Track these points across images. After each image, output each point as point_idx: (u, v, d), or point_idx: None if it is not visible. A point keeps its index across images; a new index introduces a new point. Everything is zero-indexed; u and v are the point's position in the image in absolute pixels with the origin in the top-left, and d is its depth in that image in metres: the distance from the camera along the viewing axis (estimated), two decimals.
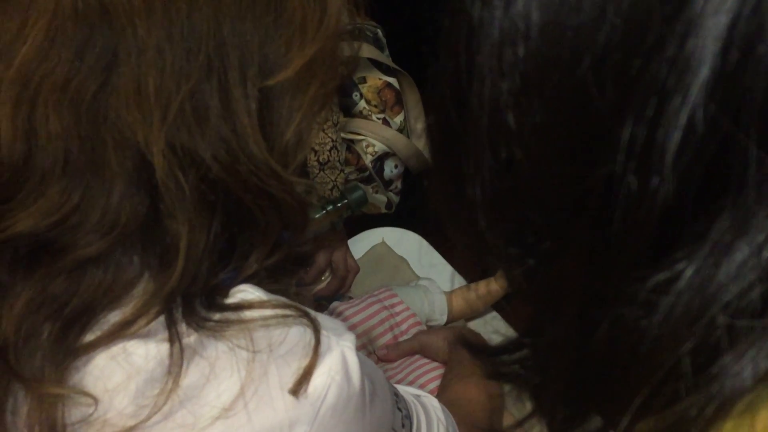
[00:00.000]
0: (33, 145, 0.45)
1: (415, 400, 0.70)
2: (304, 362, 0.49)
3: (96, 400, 0.47)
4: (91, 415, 0.47)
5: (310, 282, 1.12)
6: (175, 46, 0.45)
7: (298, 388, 0.49)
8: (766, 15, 0.20)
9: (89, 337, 0.47)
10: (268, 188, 0.49)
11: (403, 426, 0.63)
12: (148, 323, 0.47)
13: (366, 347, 1.04)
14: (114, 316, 0.48)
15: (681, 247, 0.23)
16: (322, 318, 0.53)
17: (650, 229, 0.24)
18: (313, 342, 0.50)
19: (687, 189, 0.23)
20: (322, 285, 1.13)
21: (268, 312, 0.50)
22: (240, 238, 0.51)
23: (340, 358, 0.51)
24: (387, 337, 1.05)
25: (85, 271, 0.47)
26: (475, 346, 0.37)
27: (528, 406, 0.34)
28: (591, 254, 0.26)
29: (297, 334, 0.50)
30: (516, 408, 0.99)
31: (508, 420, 0.97)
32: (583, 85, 0.24)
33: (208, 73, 0.46)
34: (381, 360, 1.03)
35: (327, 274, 1.15)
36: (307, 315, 0.51)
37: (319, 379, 0.50)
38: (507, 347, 0.34)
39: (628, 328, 0.25)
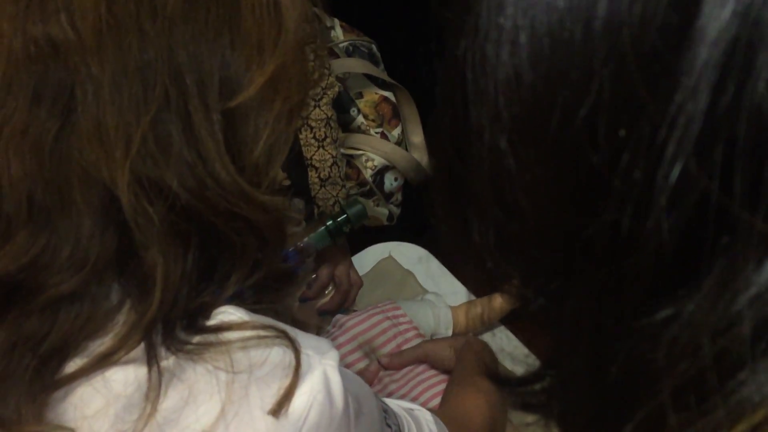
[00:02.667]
0: None
1: (407, 415, 0.70)
2: (285, 383, 0.49)
3: None
4: None
5: (313, 297, 1.13)
6: (131, 80, 0.46)
7: (279, 408, 0.49)
8: (751, 71, 0.21)
9: (70, 367, 0.48)
10: (239, 211, 0.49)
11: None
12: (128, 352, 0.48)
13: (368, 356, 1.05)
14: (95, 345, 0.48)
15: (686, 284, 0.24)
16: (304, 337, 0.53)
17: (650, 271, 0.24)
18: (293, 363, 0.50)
19: (683, 234, 0.23)
20: (326, 299, 1.14)
21: (247, 333, 0.50)
22: (219, 259, 0.51)
23: (321, 378, 0.51)
24: (390, 347, 1.06)
25: (59, 308, 0.47)
26: (499, 378, 0.37)
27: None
28: (598, 293, 0.27)
29: (277, 355, 0.50)
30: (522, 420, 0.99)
31: None
32: (576, 140, 0.24)
33: (167, 102, 0.46)
34: (385, 368, 1.03)
35: (330, 288, 1.16)
36: (286, 335, 0.51)
37: (300, 399, 0.50)
38: (529, 378, 0.34)
39: (640, 361, 0.26)
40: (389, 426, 0.63)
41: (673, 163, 0.22)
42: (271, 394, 0.49)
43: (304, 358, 0.51)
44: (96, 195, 0.46)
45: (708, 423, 0.25)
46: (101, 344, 0.48)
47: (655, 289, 0.25)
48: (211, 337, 0.49)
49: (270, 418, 0.49)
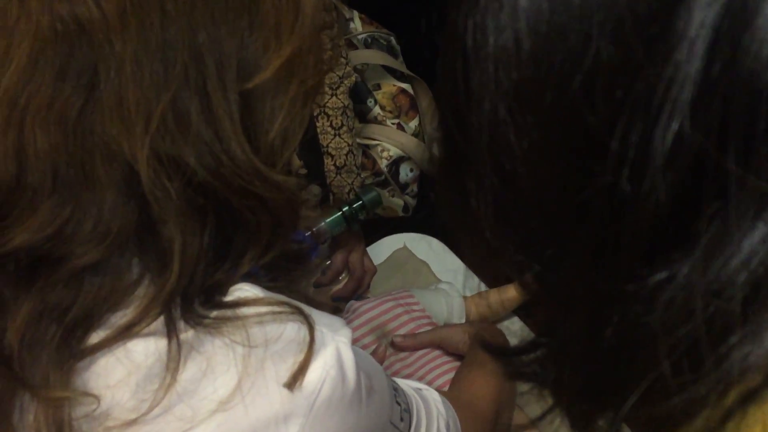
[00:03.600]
0: (23, 164, 0.47)
1: (415, 394, 0.71)
2: (299, 357, 0.51)
3: (98, 399, 0.49)
4: (94, 410, 0.49)
5: (327, 283, 1.15)
6: (152, 58, 0.47)
7: (294, 382, 0.50)
8: (745, 32, 0.21)
9: (93, 339, 0.49)
10: (253, 189, 0.51)
11: (402, 419, 0.64)
12: (149, 324, 0.49)
13: (380, 341, 1.06)
14: (117, 318, 0.50)
15: (679, 247, 0.24)
16: (317, 314, 0.54)
17: (646, 233, 0.25)
18: (307, 338, 0.52)
19: (678, 195, 0.24)
20: (340, 286, 1.16)
21: (263, 309, 0.51)
22: (234, 237, 0.53)
23: (334, 353, 0.53)
24: (402, 332, 1.06)
25: (83, 279, 0.49)
26: (493, 348, 0.38)
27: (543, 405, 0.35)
28: (593, 258, 0.28)
29: (292, 331, 0.52)
30: (530, 407, 0.99)
31: (520, 418, 0.98)
32: (574, 104, 0.25)
33: (187, 81, 0.48)
34: (398, 348, 1.03)
35: (344, 274, 1.17)
36: (301, 311, 0.53)
37: (314, 374, 0.51)
38: (524, 348, 0.35)
39: (634, 324, 0.26)
40: (399, 404, 0.65)
41: (669, 123, 0.23)
42: (286, 368, 0.51)
43: (317, 334, 0.52)
44: (118, 169, 0.48)
45: (701, 387, 0.25)
46: (123, 316, 0.49)
47: (650, 252, 0.25)
48: (228, 312, 0.51)
49: (285, 391, 0.50)
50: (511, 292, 1.14)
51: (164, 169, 0.48)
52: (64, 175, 0.47)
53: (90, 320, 0.49)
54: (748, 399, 0.25)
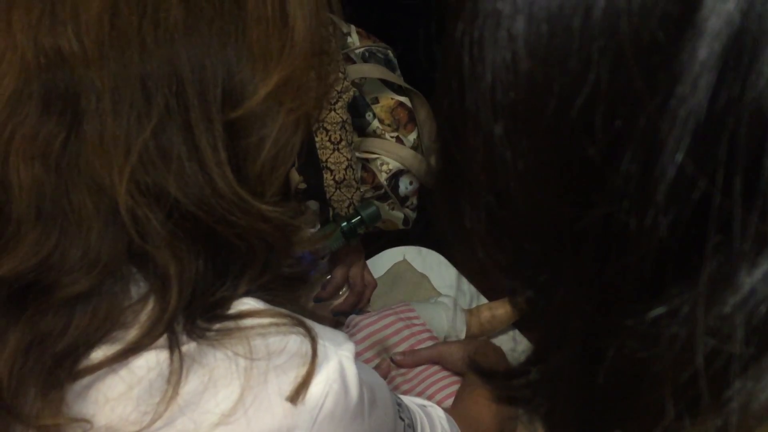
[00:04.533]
0: (7, 195, 0.47)
1: (420, 410, 0.71)
2: (302, 371, 0.51)
3: (91, 423, 0.49)
4: (91, 428, 0.49)
5: (327, 297, 1.15)
6: (132, 90, 0.47)
7: (296, 395, 0.50)
8: (752, 67, 0.20)
9: (97, 355, 0.49)
10: (235, 220, 0.50)
11: None
12: (151, 343, 0.49)
13: (381, 355, 1.06)
14: (121, 335, 0.50)
15: (678, 283, 0.24)
16: (320, 328, 0.54)
17: (645, 267, 0.24)
18: (310, 352, 0.52)
19: (680, 230, 0.23)
20: (340, 300, 1.16)
21: (265, 320, 0.51)
22: (230, 260, 0.53)
23: (337, 368, 0.53)
24: (403, 347, 1.06)
25: (75, 306, 0.49)
26: (484, 371, 0.37)
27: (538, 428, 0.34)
28: (589, 288, 0.27)
29: (295, 344, 0.52)
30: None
31: None
32: (572, 131, 0.24)
33: (168, 112, 0.48)
34: (397, 365, 1.04)
35: (344, 289, 1.17)
36: (303, 324, 0.53)
37: (316, 388, 0.51)
38: (516, 372, 0.34)
39: (630, 360, 0.26)
40: (402, 419, 0.65)
41: (670, 158, 0.22)
42: (288, 382, 0.51)
43: (320, 348, 0.52)
44: (103, 200, 0.48)
45: (701, 429, 0.24)
46: (127, 334, 0.50)
47: (647, 286, 0.25)
48: (230, 324, 0.51)
49: (287, 404, 0.50)
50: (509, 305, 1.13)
51: (146, 200, 0.48)
52: (49, 206, 0.48)
53: (84, 347, 0.49)
54: None
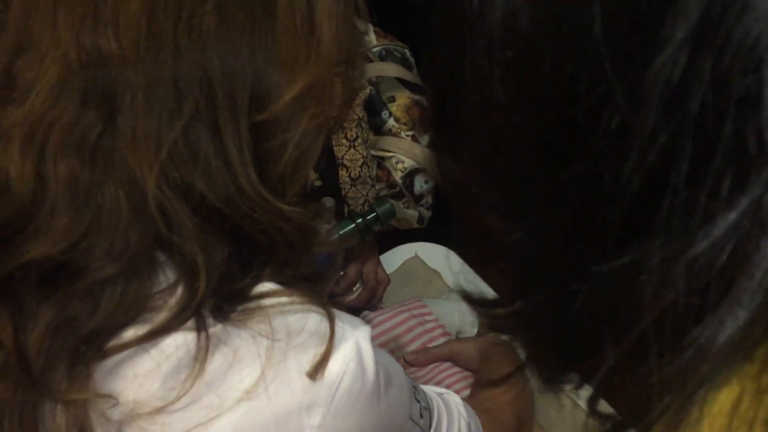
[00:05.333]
0: (42, 182, 0.50)
1: (437, 397, 0.72)
2: (321, 349, 0.53)
3: (117, 399, 0.51)
4: (119, 403, 0.51)
5: (341, 293, 1.16)
6: (164, 90, 0.50)
7: (315, 372, 0.52)
8: (725, 38, 0.22)
9: (128, 334, 0.51)
10: (257, 217, 0.53)
11: (421, 416, 0.66)
12: (180, 326, 0.51)
13: (394, 353, 1.06)
14: (151, 316, 0.52)
15: (645, 235, 0.25)
16: (337, 312, 0.56)
17: (617, 218, 0.26)
18: (328, 331, 0.54)
19: (649, 186, 0.25)
20: (353, 296, 1.17)
21: (284, 299, 0.54)
22: (255, 252, 0.55)
23: (354, 347, 0.55)
24: (416, 344, 1.07)
25: (103, 291, 0.51)
26: (473, 299, 0.39)
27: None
28: (567, 235, 0.29)
29: (314, 323, 0.54)
30: (548, 421, 1.00)
31: None
32: (560, 91, 0.26)
33: (198, 112, 0.50)
34: (410, 365, 1.05)
35: (358, 285, 1.18)
36: (321, 303, 0.55)
37: (334, 365, 0.53)
38: (501, 301, 0.36)
39: (601, 302, 0.28)
40: (418, 401, 0.66)
41: (645, 121, 0.24)
42: (307, 359, 0.53)
43: (338, 328, 0.54)
44: (134, 192, 0.50)
45: (663, 374, 0.26)
46: (157, 317, 0.52)
47: (619, 236, 0.26)
48: (251, 304, 0.53)
49: (306, 380, 0.52)
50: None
51: (174, 194, 0.51)
52: (82, 196, 0.50)
53: (111, 330, 0.51)
54: (707, 386, 0.26)
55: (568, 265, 0.29)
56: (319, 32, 0.55)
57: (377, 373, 0.56)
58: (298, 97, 0.53)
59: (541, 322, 0.33)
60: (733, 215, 0.23)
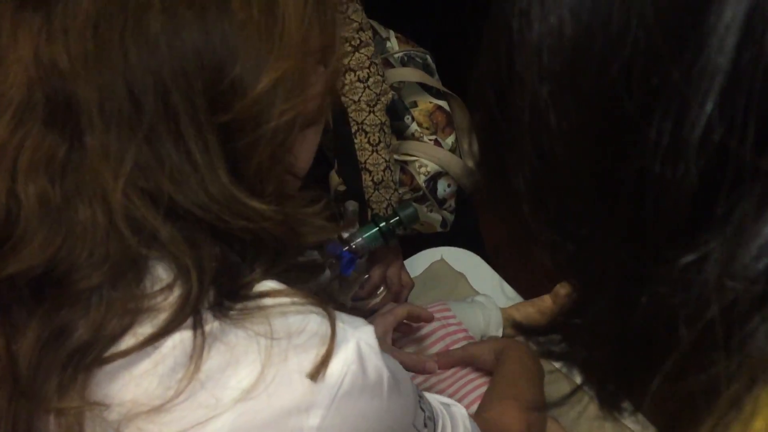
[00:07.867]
0: (16, 201, 0.50)
1: (442, 408, 0.71)
2: (322, 350, 0.52)
3: (109, 407, 0.51)
4: (110, 407, 0.51)
5: (365, 297, 1.16)
6: (119, 101, 0.49)
7: (316, 373, 0.51)
8: None
9: (128, 341, 0.51)
10: (228, 219, 0.52)
11: (425, 426, 0.64)
12: (178, 326, 0.51)
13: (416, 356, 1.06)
14: (150, 319, 0.51)
15: (707, 230, 0.26)
16: (339, 312, 0.55)
17: (678, 215, 0.26)
18: (329, 332, 0.53)
19: (708, 180, 0.25)
20: (377, 300, 1.17)
21: (284, 299, 0.53)
22: (243, 249, 0.55)
23: (355, 349, 0.54)
24: (438, 347, 1.07)
25: (90, 300, 0.51)
26: (524, 328, 0.39)
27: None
28: (624, 239, 0.29)
29: (315, 324, 0.53)
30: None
31: None
32: (612, 90, 0.27)
33: (158, 119, 0.50)
34: (428, 371, 1.04)
35: (382, 289, 1.19)
36: (322, 304, 0.54)
37: (335, 367, 0.52)
38: (553, 327, 0.36)
39: (664, 305, 0.27)
40: (423, 410, 0.65)
41: (699, 111, 0.24)
42: (308, 360, 0.52)
43: (339, 329, 0.54)
44: (107, 203, 0.50)
45: (724, 368, 0.26)
46: (156, 319, 0.52)
47: (679, 234, 0.26)
48: (251, 304, 0.53)
49: (307, 381, 0.52)
50: (548, 302, 1.14)
51: (143, 202, 0.50)
52: (54, 213, 0.50)
53: (106, 339, 0.51)
54: (763, 379, 0.26)
55: (626, 270, 0.29)
56: (282, 23, 0.53)
57: (379, 375, 0.55)
58: (265, 92, 0.52)
59: (600, 338, 0.32)
60: None
